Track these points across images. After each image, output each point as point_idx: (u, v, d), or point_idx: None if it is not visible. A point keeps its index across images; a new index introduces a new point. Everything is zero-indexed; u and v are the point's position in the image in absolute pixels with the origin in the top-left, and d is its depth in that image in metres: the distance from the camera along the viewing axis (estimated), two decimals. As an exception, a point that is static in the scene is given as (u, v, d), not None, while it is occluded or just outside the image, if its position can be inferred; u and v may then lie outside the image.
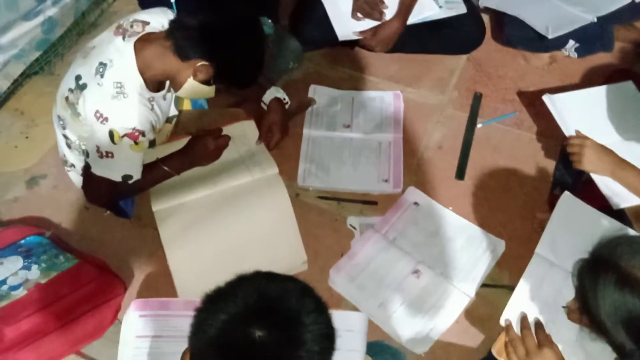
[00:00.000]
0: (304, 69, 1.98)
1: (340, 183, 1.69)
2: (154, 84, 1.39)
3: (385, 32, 1.89)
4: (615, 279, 0.87)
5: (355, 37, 1.89)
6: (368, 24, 1.89)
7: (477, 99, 1.87)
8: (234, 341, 0.72)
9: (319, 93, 1.91)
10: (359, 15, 1.88)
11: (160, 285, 1.48)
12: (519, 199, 1.64)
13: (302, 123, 1.82)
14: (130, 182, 1.41)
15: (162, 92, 1.45)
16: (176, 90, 1.42)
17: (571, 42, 1.88)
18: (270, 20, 1.82)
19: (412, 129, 1.82)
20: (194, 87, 1.38)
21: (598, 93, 1.64)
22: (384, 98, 1.89)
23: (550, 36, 1.83)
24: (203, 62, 1.32)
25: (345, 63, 2.01)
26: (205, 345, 0.74)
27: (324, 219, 1.63)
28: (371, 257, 1.52)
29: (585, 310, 0.96)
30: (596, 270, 0.92)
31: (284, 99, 1.69)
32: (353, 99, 1.90)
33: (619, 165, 1.43)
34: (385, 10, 1.88)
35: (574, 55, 1.91)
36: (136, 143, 1.35)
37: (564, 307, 1.13)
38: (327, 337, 0.78)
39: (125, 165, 1.39)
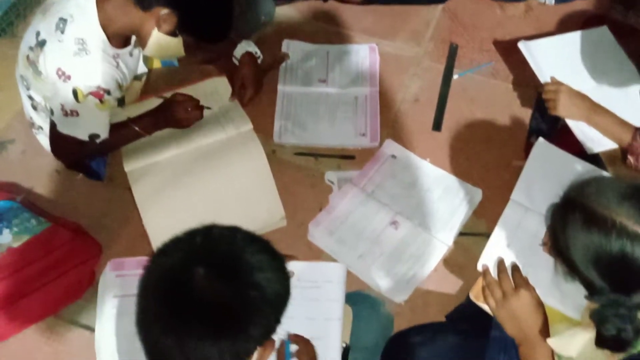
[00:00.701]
0: (277, 24, 1.93)
1: (317, 138, 1.67)
2: (119, 40, 1.34)
3: (359, -18, 1.85)
4: (582, 219, 0.88)
5: (329, -11, 1.85)
6: (340, -26, 1.85)
7: (453, 50, 1.85)
8: (176, 279, 0.73)
9: (292, 48, 1.87)
10: None
11: (138, 246, 1.46)
12: (495, 149, 1.64)
13: (276, 79, 1.78)
14: (97, 141, 1.37)
15: (129, 48, 1.40)
16: (143, 46, 1.37)
17: (547, -13, 1.86)
18: (239, -27, 1.75)
19: (388, 82, 1.79)
20: (160, 41, 1.33)
21: (573, 38, 1.63)
22: (360, 51, 1.86)
23: None
24: (166, 10, 1.26)
25: (319, 16, 1.96)
26: (150, 286, 0.75)
27: (302, 175, 1.62)
28: (350, 211, 1.51)
29: (556, 251, 0.97)
30: (565, 211, 0.93)
31: (256, 52, 1.65)
32: (328, 53, 1.86)
33: (593, 110, 1.44)
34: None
35: (551, 2, 1.89)
36: (101, 102, 1.31)
37: (540, 244, 1.14)
38: (277, 282, 0.78)
39: (91, 124, 1.34)
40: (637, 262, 0.81)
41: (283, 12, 1.95)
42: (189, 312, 0.72)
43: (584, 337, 0.96)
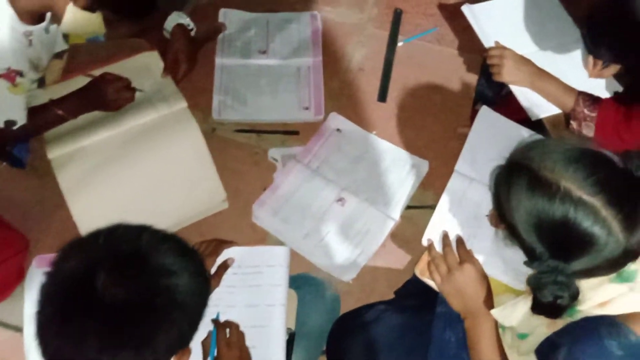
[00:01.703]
0: (212, -8, 1.82)
1: (258, 114, 1.60)
2: (30, 16, 1.21)
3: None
4: (526, 182, 0.85)
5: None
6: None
7: (397, 15, 1.78)
8: (76, 286, 0.68)
9: (229, 17, 1.76)
10: None
11: (69, 238, 1.37)
12: (442, 117, 1.61)
13: (214, 52, 1.68)
14: (14, 128, 1.26)
15: (43, 25, 1.27)
16: (58, 23, 1.24)
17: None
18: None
19: (331, 51, 1.72)
20: (76, 17, 1.21)
21: (516, 1, 1.58)
22: (301, 19, 1.77)
23: None
24: None
25: (256, -18, 1.86)
26: (49, 294, 0.70)
27: (244, 153, 1.55)
28: (294, 189, 1.46)
29: (500, 216, 0.94)
30: (509, 174, 0.90)
31: (189, 25, 1.53)
32: (268, 21, 1.77)
33: (537, 76, 1.41)
34: None
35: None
36: (14, 85, 1.19)
37: (487, 215, 1.12)
38: (190, 285, 0.72)
39: (5, 110, 1.23)
40: (579, 228, 0.79)
41: (218, -21, 1.84)
42: (89, 321, 0.66)
43: (525, 306, 0.95)
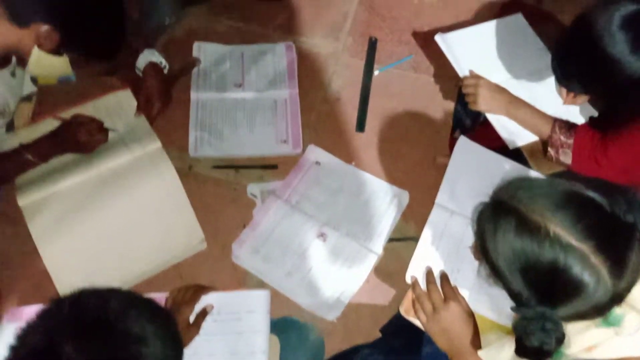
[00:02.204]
0: (186, 25, 1.80)
1: (236, 149, 1.57)
2: (-6, 60, 1.19)
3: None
4: (514, 224, 0.83)
5: (237, -14, 1.73)
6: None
7: (372, 44, 1.78)
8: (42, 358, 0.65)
9: (204, 51, 1.74)
10: None
11: (44, 288, 1.32)
12: (420, 146, 1.60)
13: (189, 86, 1.66)
14: (-18, 176, 1.22)
15: (9, 68, 1.25)
16: (24, 65, 1.21)
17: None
18: (136, -28, 1.61)
19: (307, 81, 1.71)
20: (42, 60, 1.18)
21: (489, 29, 1.60)
22: (276, 50, 1.76)
23: None
24: (45, 27, 1.12)
25: (232, 15, 1.84)
26: None
27: (222, 189, 1.52)
28: (274, 225, 1.43)
29: (483, 255, 0.93)
30: (496, 214, 0.88)
31: (161, 62, 1.51)
32: (243, 54, 1.75)
33: (512, 104, 1.42)
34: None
35: (464, -10, 1.86)
36: (-21, 132, 1.16)
37: (470, 247, 1.10)
38: (162, 350, 0.70)
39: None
40: (568, 274, 0.77)
41: (192, 11, 1.82)
42: None
43: (512, 347, 0.93)
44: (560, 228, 0.78)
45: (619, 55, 1.11)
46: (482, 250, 0.92)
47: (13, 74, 1.27)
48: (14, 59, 1.25)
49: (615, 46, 1.11)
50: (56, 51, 1.18)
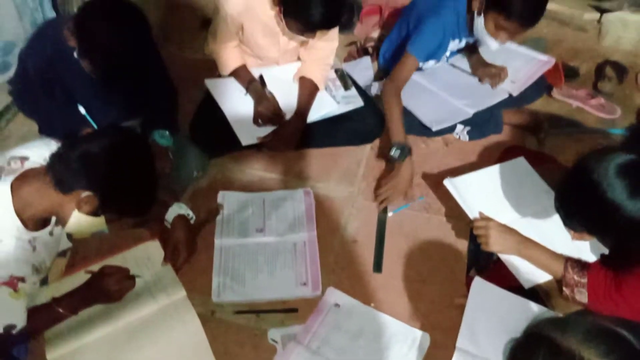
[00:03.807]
0: (211, 176, 1.95)
1: (257, 293, 1.62)
2: (36, 223, 1.29)
3: (287, 131, 1.92)
4: (548, 352, 0.86)
5: (259, 142, 1.90)
6: (271, 127, 1.92)
7: (385, 187, 1.89)
8: None
9: (228, 199, 1.87)
10: (260, 121, 1.90)
11: None
12: (437, 286, 1.63)
13: (212, 233, 1.76)
14: (14, 332, 1.27)
15: (48, 229, 1.35)
16: (63, 225, 1.32)
17: (460, 127, 1.98)
18: (167, 132, 1.78)
19: (325, 224, 1.80)
20: (81, 221, 1.29)
21: (494, 172, 1.70)
22: (295, 196, 1.88)
23: (434, 129, 1.95)
24: (86, 193, 1.24)
25: (252, 165, 1.99)
26: None
27: (243, 335, 1.54)
28: (296, 373, 1.43)
29: None
30: (528, 346, 0.91)
31: (188, 214, 1.62)
32: (264, 200, 1.87)
33: (523, 244, 1.46)
34: (284, 112, 1.92)
35: (465, 138, 2.01)
36: (16, 291, 1.23)
37: None
38: None
39: (6, 315, 1.25)
40: None
41: (217, 163, 1.98)
42: None
43: None
44: (594, 356, 0.82)
45: (618, 200, 1.18)
46: None
47: (51, 233, 1.38)
48: (53, 219, 1.37)
49: (614, 192, 1.18)
50: (94, 213, 1.30)
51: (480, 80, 2.09)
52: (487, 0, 1.75)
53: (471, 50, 2.11)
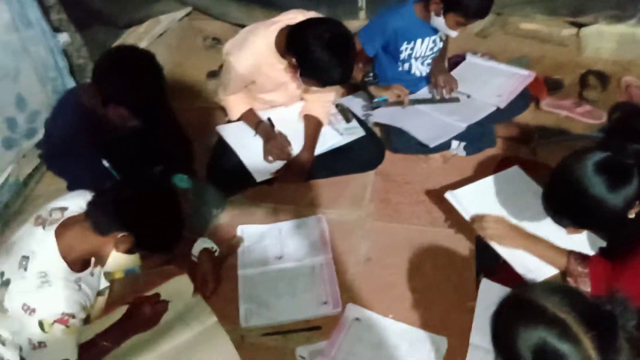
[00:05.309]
0: (229, 212, 2.08)
1: (282, 315, 1.73)
2: (79, 264, 1.44)
3: (298, 165, 2.07)
4: (515, 304, 1.01)
5: (272, 177, 2.05)
6: (281, 162, 2.07)
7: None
8: None
9: (247, 232, 2.00)
10: (270, 158, 2.05)
11: None
12: (449, 293, 1.73)
13: (235, 264, 1.88)
14: (67, 366, 1.39)
15: (89, 270, 1.49)
16: (102, 264, 1.46)
17: (455, 143, 2.12)
18: (186, 176, 1.94)
19: (339, 246, 1.92)
20: (118, 259, 1.43)
21: (492, 181, 1.83)
22: (309, 223, 2.00)
23: (431, 146, 2.09)
24: (122, 233, 1.38)
25: (267, 198, 2.13)
26: None
27: (273, 356, 1.64)
28: (324, 386, 1.52)
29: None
30: (500, 305, 1.05)
31: (213, 247, 1.76)
32: (280, 230, 2.00)
33: (530, 239, 1.57)
34: (292, 147, 2.07)
35: (462, 153, 2.15)
36: (67, 327, 1.36)
37: None
38: None
39: (60, 351, 1.37)
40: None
41: (233, 200, 2.11)
42: None
43: None
44: (551, 305, 0.95)
45: (600, 195, 1.30)
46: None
47: (92, 274, 1.52)
48: (92, 260, 1.51)
49: (594, 188, 1.30)
50: (130, 251, 1.44)
51: (434, 87, 2.29)
52: (445, 4, 1.99)
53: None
